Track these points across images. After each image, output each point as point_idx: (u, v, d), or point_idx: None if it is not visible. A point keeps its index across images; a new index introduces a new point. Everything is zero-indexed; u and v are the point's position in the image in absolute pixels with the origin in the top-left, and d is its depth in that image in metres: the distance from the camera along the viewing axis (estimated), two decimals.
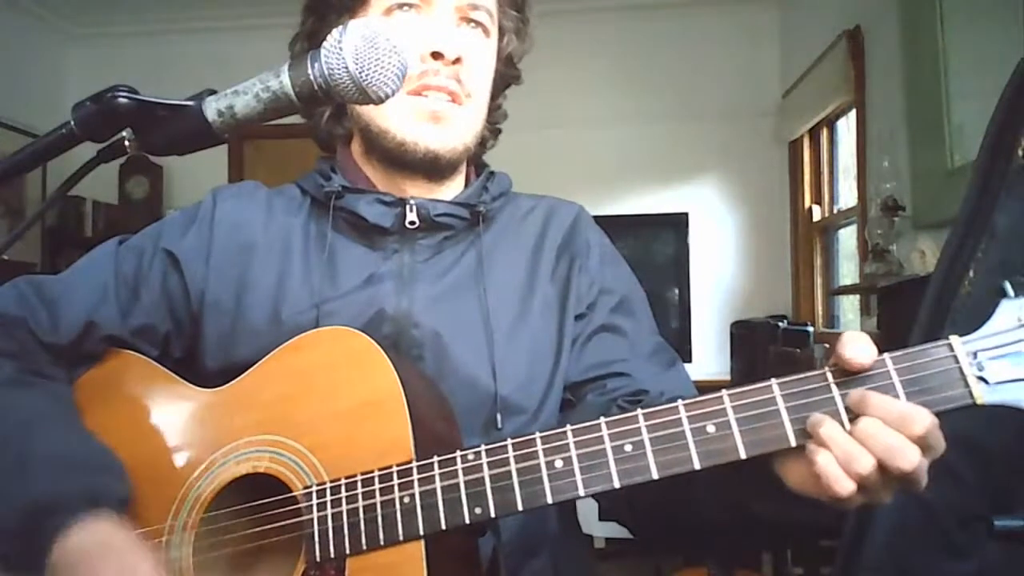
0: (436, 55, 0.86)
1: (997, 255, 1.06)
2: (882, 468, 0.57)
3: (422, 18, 0.88)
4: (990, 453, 1.00)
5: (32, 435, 0.78)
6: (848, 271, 3.79)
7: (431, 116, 0.87)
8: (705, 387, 0.69)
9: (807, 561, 2.71)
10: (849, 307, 3.73)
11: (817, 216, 4.04)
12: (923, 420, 0.57)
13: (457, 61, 0.87)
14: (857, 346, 0.59)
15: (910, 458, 0.56)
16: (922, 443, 0.57)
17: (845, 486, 0.57)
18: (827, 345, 3.00)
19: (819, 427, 0.59)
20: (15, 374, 0.83)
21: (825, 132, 3.95)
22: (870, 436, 0.57)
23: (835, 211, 3.90)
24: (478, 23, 0.90)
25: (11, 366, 0.84)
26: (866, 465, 0.57)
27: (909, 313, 1.16)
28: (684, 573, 3.16)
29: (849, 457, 0.57)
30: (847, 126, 3.65)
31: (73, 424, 0.83)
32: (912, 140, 2.65)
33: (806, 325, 3.11)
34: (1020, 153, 1.06)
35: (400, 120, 0.87)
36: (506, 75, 0.99)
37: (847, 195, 3.76)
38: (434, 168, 0.90)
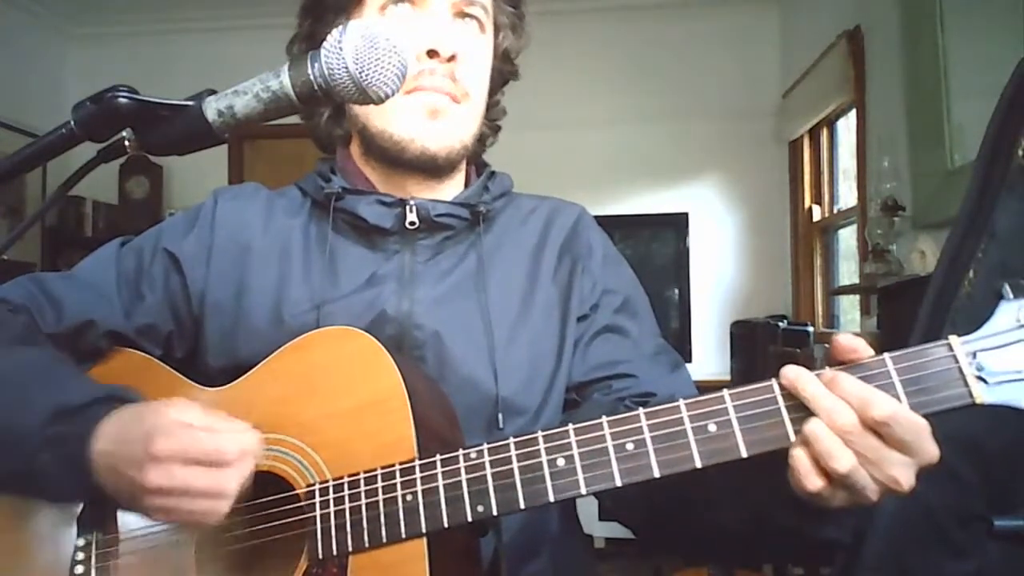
0: (432, 53, 0.86)
1: (997, 255, 1.06)
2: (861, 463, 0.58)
3: (416, 14, 0.88)
4: (990, 453, 1.00)
5: (42, 375, 0.78)
6: (848, 271, 3.79)
7: (429, 112, 0.87)
8: (705, 387, 0.69)
9: (807, 562, 2.71)
10: (849, 307, 3.73)
11: (817, 216, 4.04)
12: (884, 406, 0.57)
13: (452, 59, 0.87)
14: (850, 335, 0.61)
15: (857, 444, 0.58)
16: (884, 431, 0.58)
17: (814, 481, 0.59)
18: (827, 345, 2.99)
19: (806, 425, 0.60)
20: (23, 332, 0.84)
21: (825, 132, 3.95)
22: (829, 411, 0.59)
23: (835, 211, 3.90)
24: (473, 18, 0.90)
25: (20, 326, 0.84)
26: (843, 459, 0.58)
27: (909, 313, 1.16)
28: (684, 573, 3.16)
29: (828, 454, 0.58)
30: (847, 126, 3.65)
31: (80, 374, 0.83)
32: (912, 140, 2.65)
33: (806, 325, 3.11)
34: (1020, 153, 1.06)
35: (397, 118, 0.87)
36: (503, 71, 0.98)
37: (847, 195, 3.76)
38: (431, 167, 0.89)
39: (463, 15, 0.89)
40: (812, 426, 0.59)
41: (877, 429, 0.58)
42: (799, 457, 0.60)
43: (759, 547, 0.80)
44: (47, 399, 0.73)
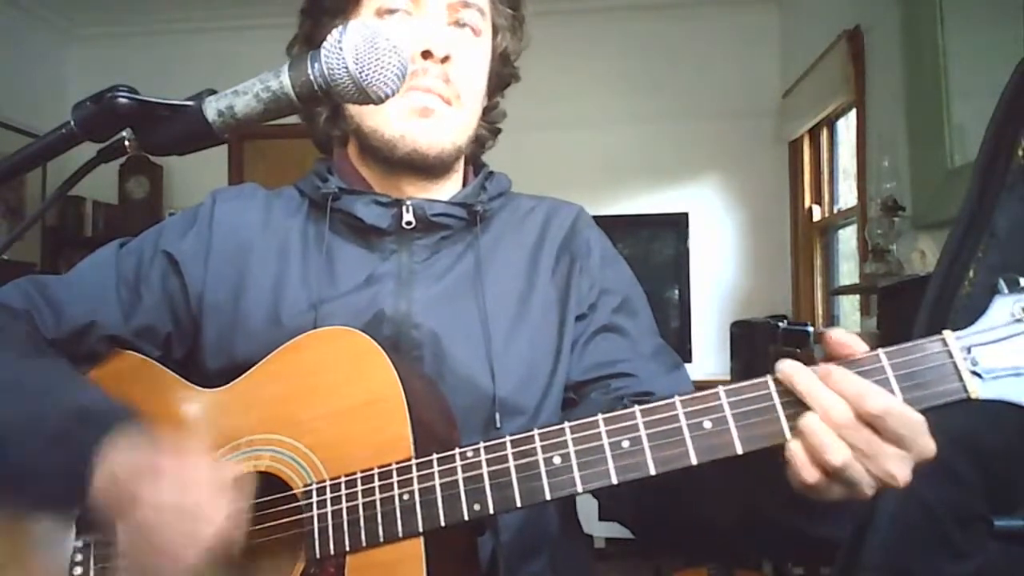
0: (426, 54, 0.86)
1: (997, 255, 1.06)
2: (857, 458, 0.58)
3: (412, 19, 0.88)
4: (990, 453, 1.00)
5: (63, 383, 0.78)
6: (848, 271, 3.79)
7: (420, 111, 0.87)
8: (705, 387, 0.69)
9: (807, 561, 2.71)
10: (849, 307, 3.74)
11: (817, 216, 4.04)
12: (878, 400, 0.58)
13: (446, 60, 0.87)
14: (842, 331, 0.62)
15: (852, 438, 0.58)
16: (879, 425, 0.58)
17: (811, 473, 0.59)
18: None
19: (800, 418, 0.60)
20: (27, 339, 0.84)
21: (825, 132, 3.95)
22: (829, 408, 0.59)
23: (835, 211, 3.90)
24: (467, 23, 0.90)
25: (23, 333, 0.84)
26: (837, 452, 0.58)
27: (909, 313, 1.16)
28: (684, 573, 3.16)
29: (822, 447, 0.58)
30: (847, 126, 3.65)
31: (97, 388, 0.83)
32: (912, 140, 2.66)
33: (806, 325, 3.11)
34: (1020, 153, 1.06)
35: (388, 118, 0.87)
36: (503, 74, 0.98)
37: (847, 195, 3.76)
38: (422, 166, 0.89)
39: (459, 20, 0.89)
40: (807, 420, 0.59)
41: (872, 423, 0.58)
42: (796, 450, 0.60)
43: (751, 543, 0.80)
44: (71, 399, 0.74)
